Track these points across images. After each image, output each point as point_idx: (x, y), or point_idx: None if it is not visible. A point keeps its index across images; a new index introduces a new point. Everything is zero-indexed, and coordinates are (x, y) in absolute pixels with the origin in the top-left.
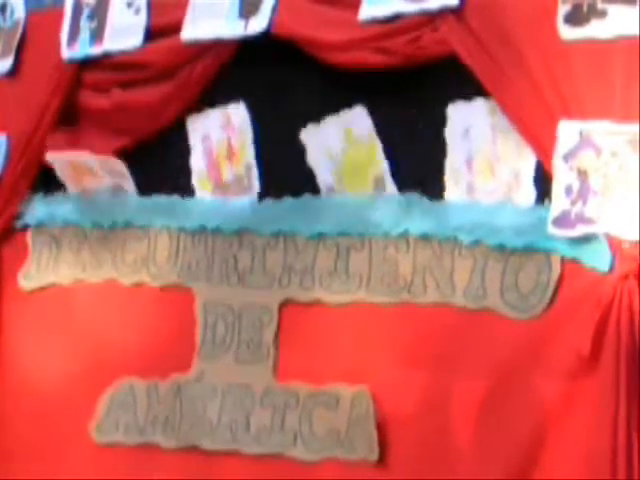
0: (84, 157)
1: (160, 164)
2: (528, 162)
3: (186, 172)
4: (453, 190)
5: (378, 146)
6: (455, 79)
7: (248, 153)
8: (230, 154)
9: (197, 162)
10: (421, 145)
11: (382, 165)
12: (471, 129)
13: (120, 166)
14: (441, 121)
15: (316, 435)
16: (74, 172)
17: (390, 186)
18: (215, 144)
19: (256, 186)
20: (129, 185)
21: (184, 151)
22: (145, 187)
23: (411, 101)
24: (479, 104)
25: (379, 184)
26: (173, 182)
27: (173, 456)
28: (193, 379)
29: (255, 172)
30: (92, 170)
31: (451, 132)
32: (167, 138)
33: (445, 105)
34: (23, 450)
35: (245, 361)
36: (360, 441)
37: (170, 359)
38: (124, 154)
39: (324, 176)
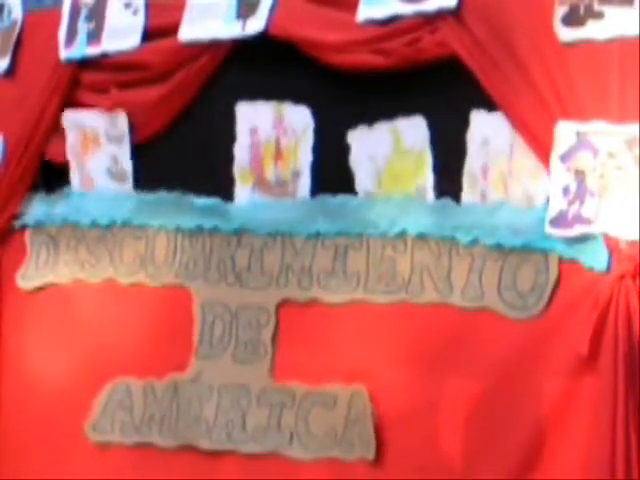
0: (94, 115)
1: (158, 163)
2: (542, 184)
3: (186, 172)
4: (469, 194)
5: (429, 157)
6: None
7: (300, 158)
8: (277, 154)
9: (241, 153)
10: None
11: (428, 176)
12: (491, 139)
13: (124, 125)
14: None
15: (312, 434)
16: (82, 147)
17: (430, 196)
18: (263, 140)
19: (304, 193)
20: (124, 155)
21: (186, 149)
22: (145, 186)
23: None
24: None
25: (420, 194)
26: (172, 181)
27: (169, 455)
28: (190, 379)
29: (305, 180)
30: (97, 138)
31: (471, 138)
32: (164, 137)
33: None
34: (20, 449)
35: (242, 361)
36: (357, 441)
37: (167, 359)
38: None
39: (364, 180)
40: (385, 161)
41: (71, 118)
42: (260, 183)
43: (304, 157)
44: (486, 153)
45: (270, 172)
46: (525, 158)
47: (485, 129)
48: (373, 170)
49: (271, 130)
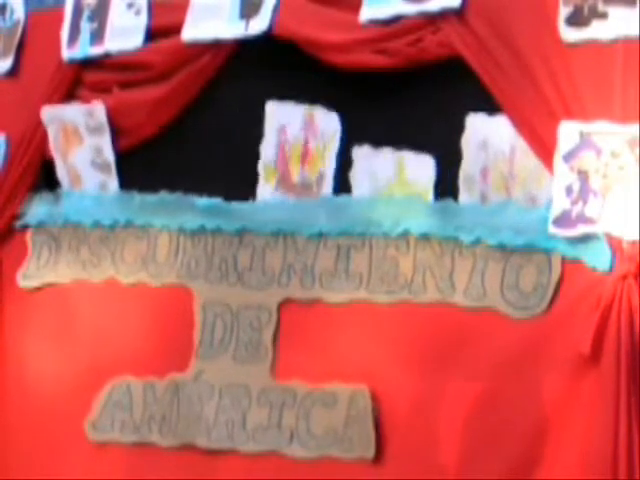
0: (73, 108)
1: (161, 163)
2: (544, 185)
3: (187, 171)
4: (466, 197)
5: (430, 194)
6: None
7: (327, 161)
8: (304, 156)
9: (267, 151)
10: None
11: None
12: (489, 142)
13: (101, 115)
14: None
15: (313, 433)
16: (64, 141)
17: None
18: (291, 140)
19: (328, 194)
20: (106, 145)
21: (186, 149)
22: (145, 186)
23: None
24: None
25: None
26: (174, 181)
27: (169, 455)
28: (191, 378)
29: (329, 182)
30: (78, 131)
31: (467, 142)
32: (167, 137)
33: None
34: (20, 448)
35: (243, 360)
36: (357, 440)
37: (168, 358)
38: (124, 153)
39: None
40: (386, 186)
41: (49, 113)
42: (284, 182)
43: (330, 161)
44: (485, 156)
45: (296, 172)
46: (527, 160)
47: (483, 132)
48: (372, 190)
49: (299, 131)
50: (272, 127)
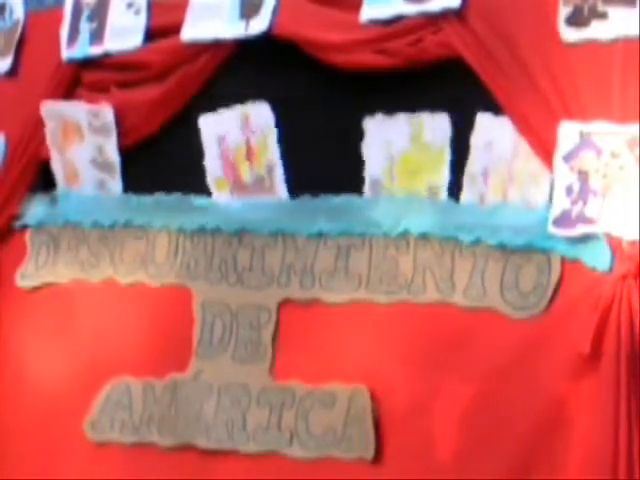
0: (76, 106)
1: (161, 162)
2: (542, 188)
3: (186, 171)
4: (468, 195)
5: (447, 155)
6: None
7: (270, 153)
8: (249, 154)
9: (212, 163)
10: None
11: (444, 176)
12: (494, 143)
13: (109, 117)
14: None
15: (312, 434)
16: (63, 136)
17: (443, 195)
18: (232, 145)
19: (280, 187)
20: (111, 146)
21: (186, 149)
22: (144, 186)
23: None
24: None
25: (433, 193)
26: (173, 181)
27: (168, 455)
28: (190, 378)
29: (279, 172)
30: (80, 129)
31: (475, 140)
32: (167, 137)
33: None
34: (19, 448)
35: (242, 360)
36: (357, 440)
37: (168, 358)
38: (123, 153)
39: (374, 169)
40: (400, 152)
41: (50, 108)
42: (237, 186)
43: (274, 151)
44: (489, 157)
45: (246, 172)
46: (527, 162)
47: (490, 132)
48: (386, 159)
49: (239, 135)
50: (210, 140)
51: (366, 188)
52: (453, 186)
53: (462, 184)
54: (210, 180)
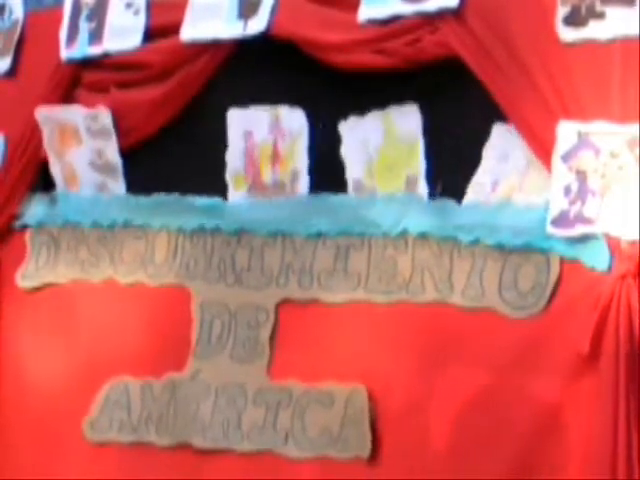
0: (73, 111)
1: (159, 163)
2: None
3: (186, 171)
4: (470, 197)
5: (420, 147)
6: None
7: (298, 160)
8: (275, 157)
9: (234, 158)
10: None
11: (420, 166)
12: (510, 154)
13: (107, 120)
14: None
15: (308, 433)
16: (60, 140)
17: (422, 188)
18: (259, 142)
19: (303, 192)
20: (111, 149)
21: (185, 149)
22: (144, 186)
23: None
24: None
25: (411, 184)
26: (173, 181)
27: (166, 454)
28: (188, 378)
29: (303, 180)
30: (77, 133)
31: (489, 149)
32: (165, 137)
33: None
34: (19, 448)
35: (240, 360)
36: (353, 439)
37: (166, 358)
38: (122, 153)
39: (355, 170)
40: (377, 150)
41: (45, 114)
42: (256, 186)
43: (301, 158)
44: (502, 168)
45: (267, 174)
46: (540, 174)
47: (506, 144)
48: (365, 159)
49: (267, 134)
50: (236, 134)
51: (350, 189)
52: (430, 175)
53: (441, 173)
54: (229, 175)
